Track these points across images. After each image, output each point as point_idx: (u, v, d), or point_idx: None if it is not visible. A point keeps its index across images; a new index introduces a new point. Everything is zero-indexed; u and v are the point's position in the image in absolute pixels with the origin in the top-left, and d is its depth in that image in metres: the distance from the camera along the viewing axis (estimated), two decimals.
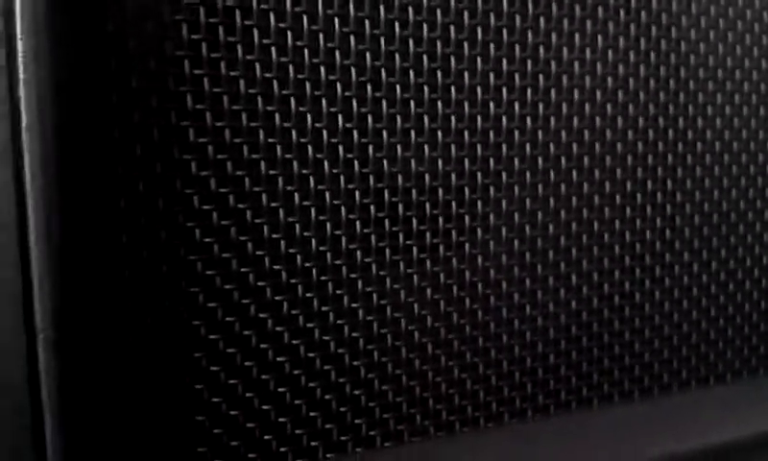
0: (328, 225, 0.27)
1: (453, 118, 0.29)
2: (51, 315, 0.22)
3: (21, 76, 0.21)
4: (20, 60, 0.21)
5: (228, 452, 0.27)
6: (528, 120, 0.30)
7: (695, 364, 0.35)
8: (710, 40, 0.33)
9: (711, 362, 0.35)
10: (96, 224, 0.23)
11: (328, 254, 0.27)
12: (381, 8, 0.27)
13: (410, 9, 0.28)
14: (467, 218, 0.30)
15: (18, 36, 0.21)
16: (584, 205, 0.32)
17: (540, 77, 0.30)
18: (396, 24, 0.28)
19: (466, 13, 0.29)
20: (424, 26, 0.28)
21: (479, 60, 0.29)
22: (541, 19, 0.30)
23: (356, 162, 0.28)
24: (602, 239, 0.32)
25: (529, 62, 0.30)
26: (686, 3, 0.33)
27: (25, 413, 0.23)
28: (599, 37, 0.31)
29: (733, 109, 0.34)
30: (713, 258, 0.35)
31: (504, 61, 0.29)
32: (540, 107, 0.30)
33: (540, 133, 0.30)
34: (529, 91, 0.30)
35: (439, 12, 0.28)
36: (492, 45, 0.29)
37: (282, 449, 0.28)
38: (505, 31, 0.29)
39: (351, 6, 0.27)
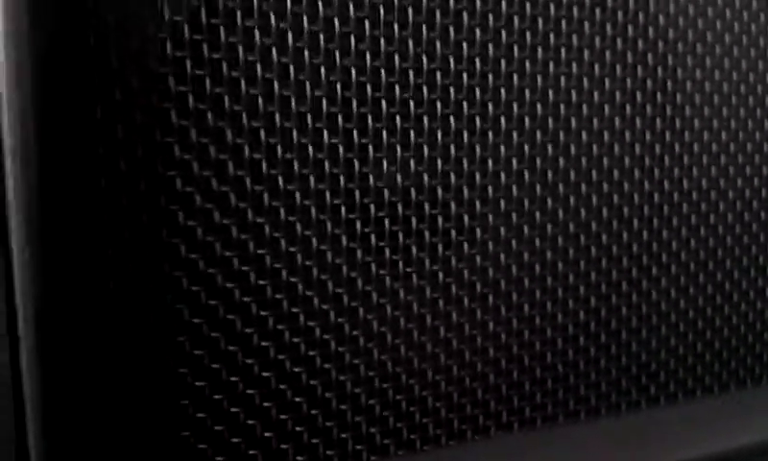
0: (328, 224, 0.27)
1: (452, 118, 0.29)
2: (33, 321, 0.22)
3: None
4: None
5: None
6: (526, 120, 0.30)
7: (682, 376, 0.35)
8: (699, 28, 0.33)
9: (698, 375, 0.35)
10: (79, 230, 0.23)
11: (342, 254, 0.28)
12: (381, 8, 0.27)
13: (410, 9, 0.28)
14: (465, 246, 0.30)
15: None
16: (570, 218, 0.32)
17: (539, 77, 0.30)
18: (396, 25, 0.28)
19: (464, 14, 0.29)
20: (424, 27, 0.28)
21: (478, 60, 0.29)
22: (540, 20, 0.30)
23: (355, 163, 0.28)
24: (588, 253, 0.32)
25: (527, 63, 0.30)
26: None
27: (8, 424, 0.23)
28: (597, 39, 0.31)
29: (722, 98, 0.34)
30: (701, 271, 0.35)
31: (503, 62, 0.29)
32: (539, 107, 0.30)
33: (538, 133, 0.30)
34: (527, 92, 0.30)
35: (438, 12, 0.28)
36: (490, 45, 0.29)
37: (299, 459, 0.27)
38: (504, 32, 0.29)
39: (353, 16, 0.27)
